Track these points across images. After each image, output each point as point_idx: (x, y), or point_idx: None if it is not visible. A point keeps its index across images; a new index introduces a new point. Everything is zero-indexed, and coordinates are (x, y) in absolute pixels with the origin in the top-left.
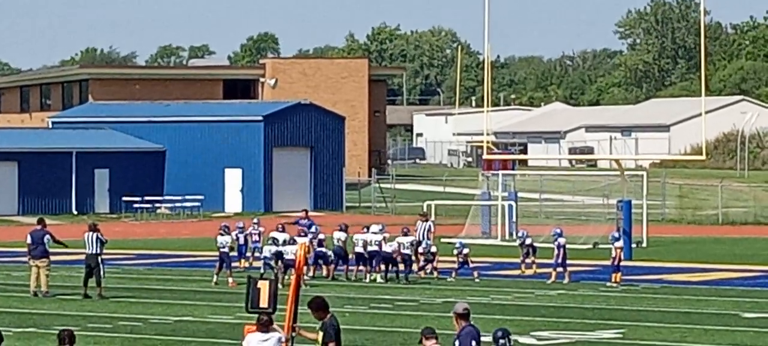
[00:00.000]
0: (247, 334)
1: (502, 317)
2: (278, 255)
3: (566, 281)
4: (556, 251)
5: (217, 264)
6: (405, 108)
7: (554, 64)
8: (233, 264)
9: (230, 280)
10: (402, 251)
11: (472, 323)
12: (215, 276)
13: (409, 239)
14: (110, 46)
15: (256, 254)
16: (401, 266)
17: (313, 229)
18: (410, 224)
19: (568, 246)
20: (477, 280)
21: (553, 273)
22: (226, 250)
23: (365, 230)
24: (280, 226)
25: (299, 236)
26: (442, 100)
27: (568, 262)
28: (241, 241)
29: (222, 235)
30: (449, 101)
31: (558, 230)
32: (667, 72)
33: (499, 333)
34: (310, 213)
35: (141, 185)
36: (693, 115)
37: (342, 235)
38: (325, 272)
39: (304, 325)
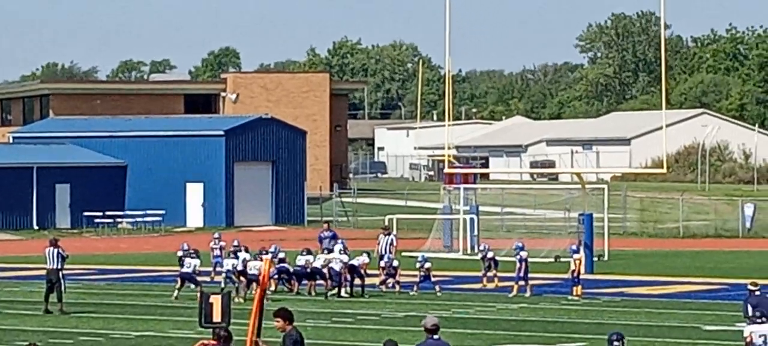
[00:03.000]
0: None
1: (463, 330)
2: (241, 271)
3: (528, 294)
4: (517, 265)
5: (179, 281)
6: (366, 122)
7: (515, 78)
8: (202, 278)
9: (176, 293)
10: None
11: (436, 337)
12: (176, 291)
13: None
14: (71, 61)
15: (218, 269)
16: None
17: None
18: (372, 238)
19: (529, 260)
20: (439, 293)
21: (515, 287)
22: (188, 271)
23: (325, 251)
24: (236, 242)
25: (262, 252)
26: (404, 114)
27: (529, 275)
28: (217, 253)
29: (191, 257)
30: (411, 115)
31: (520, 244)
32: (628, 85)
33: (614, 336)
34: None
35: (102, 199)
36: (654, 129)
37: (309, 257)
38: (287, 287)
39: (267, 340)
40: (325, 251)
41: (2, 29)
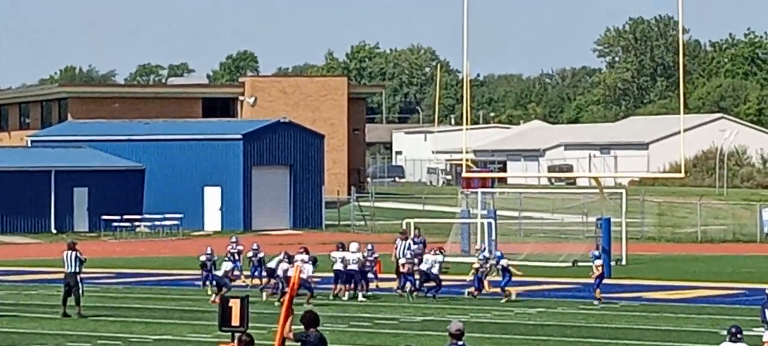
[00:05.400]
0: None
1: (481, 335)
2: (269, 272)
3: (513, 298)
4: (502, 275)
5: (217, 287)
6: (384, 126)
7: (533, 82)
8: (236, 282)
9: (213, 297)
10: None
11: (461, 343)
12: (214, 295)
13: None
14: (89, 64)
15: (235, 273)
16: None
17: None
18: (389, 242)
19: (547, 264)
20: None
21: (505, 293)
22: (219, 273)
23: (339, 248)
24: (255, 244)
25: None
26: (422, 118)
27: (547, 279)
28: (255, 262)
29: (227, 260)
30: (428, 119)
31: (498, 253)
32: (645, 90)
33: (734, 329)
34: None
35: (120, 203)
36: (672, 133)
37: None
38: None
39: (293, 344)
40: (414, 255)
41: (21, 33)
